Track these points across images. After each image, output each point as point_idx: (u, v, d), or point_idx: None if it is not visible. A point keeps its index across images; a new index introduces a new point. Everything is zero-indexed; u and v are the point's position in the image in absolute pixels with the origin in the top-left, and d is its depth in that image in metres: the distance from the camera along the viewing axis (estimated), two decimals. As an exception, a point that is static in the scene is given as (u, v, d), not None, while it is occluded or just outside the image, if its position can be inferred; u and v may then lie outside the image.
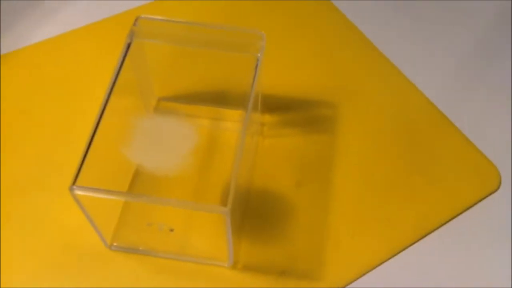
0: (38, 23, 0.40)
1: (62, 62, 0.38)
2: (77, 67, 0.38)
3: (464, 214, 0.31)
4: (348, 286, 0.29)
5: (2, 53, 0.38)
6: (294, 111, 0.36)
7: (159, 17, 0.30)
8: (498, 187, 0.31)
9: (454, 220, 0.31)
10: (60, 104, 0.35)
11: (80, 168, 0.24)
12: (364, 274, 0.29)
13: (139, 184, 0.31)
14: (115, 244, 0.29)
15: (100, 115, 0.26)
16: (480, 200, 0.31)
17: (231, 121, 0.34)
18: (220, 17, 0.41)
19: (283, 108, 0.36)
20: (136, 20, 0.30)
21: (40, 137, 0.34)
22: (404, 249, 0.30)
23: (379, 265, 0.29)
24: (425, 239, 0.30)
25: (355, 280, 0.29)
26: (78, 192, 0.23)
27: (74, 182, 0.23)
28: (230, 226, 0.25)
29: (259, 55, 0.28)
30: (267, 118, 0.35)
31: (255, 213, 0.31)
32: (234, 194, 0.24)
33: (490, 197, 0.32)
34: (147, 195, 0.26)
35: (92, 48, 0.39)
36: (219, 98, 0.35)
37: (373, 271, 0.29)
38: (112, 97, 0.27)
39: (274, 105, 0.36)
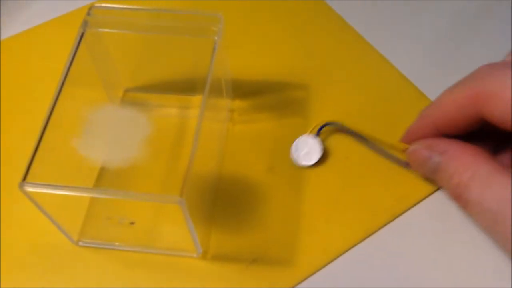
0: (5, 19, 0.39)
1: (27, 58, 0.37)
2: (42, 63, 0.37)
3: (438, 192, 0.30)
4: (320, 271, 0.28)
5: None
6: (265, 95, 0.35)
7: (114, 5, 0.29)
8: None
9: (428, 198, 0.30)
10: (22, 100, 0.35)
11: (31, 163, 0.23)
12: (337, 257, 0.28)
13: (106, 178, 0.30)
14: (82, 240, 0.29)
15: (52, 106, 0.25)
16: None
17: (198, 108, 0.33)
18: (184, 3, 0.40)
19: (254, 93, 0.35)
20: (90, 9, 0.29)
21: (1, 133, 0.33)
22: (377, 230, 0.29)
23: (352, 247, 0.28)
24: (399, 219, 0.29)
25: (328, 263, 0.28)
26: (29, 189, 0.23)
27: (24, 178, 0.23)
28: (193, 216, 0.24)
29: (216, 38, 0.28)
30: (238, 103, 0.34)
31: (225, 202, 0.30)
32: (193, 183, 0.23)
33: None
34: (103, 188, 0.25)
35: (58, 43, 0.38)
36: (187, 86, 0.34)
37: (346, 253, 0.28)
38: (68, 88, 0.26)
39: (245, 90, 0.35)
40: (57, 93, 0.25)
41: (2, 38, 0.38)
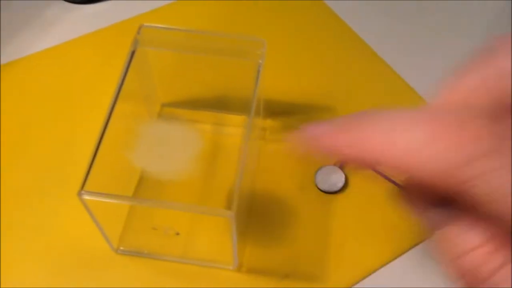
0: (40, 32, 0.41)
1: (63, 71, 0.38)
2: (78, 75, 0.38)
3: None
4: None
5: (2, 62, 0.39)
6: (294, 115, 0.36)
7: (162, 26, 0.30)
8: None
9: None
10: (61, 112, 0.36)
11: (88, 174, 0.24)
12: (367, 276, 0.29)
13: (144, 189, 0.31)
14: (121, 248, 0.30)
15: (107, 121, 0.26)
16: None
17: (234, 126, 0.35)
18: (220, 24, 0.41)
19: (284, 112, 0.36)
20: (139, 28, 0.30)
21: (42, 146, 0.34)
22: (407, 250, 0.30)
23: (382, 266, 0.30)
24: (427, 241, 0.31)
25: (358, 281, 0.29)
26: (86, 197, 0.24)
27: (82, 187, 0.24)
28: (235, 230, 0.25)
29: (260, 61, 0.29)
30: (269, 122, 0.36)
31: (259, 217, 0.31)
32: (239, 198, 0.25)
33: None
34: (153, 199, 0.26)
35: (93, 57, 0.39)
36: (222, 104, 0.36)
37: (376, 272, 0.29)
38: (118, 104, 0.27)
39: (275, 109, 0.36)
40: (111, 108, 0.27)
41: (30, 53, 0.40)
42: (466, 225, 0.18)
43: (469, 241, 0.18)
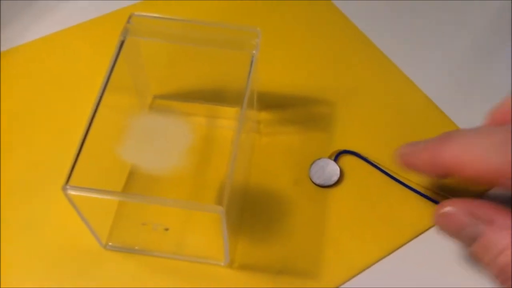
0: (33, 22, 0.40)
1: (57, 61, 0.38)
2: (72, 65, 0.37)
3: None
4: (345, 285, 0.28)
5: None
6: (291, 108, 0.36)
7: (153, 15, 0.29)
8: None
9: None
10: (55, 104, 0.35)
11: (73, 168, 0.24)
12: (361, 272, 0.29)
13: (134, 183, 0.31)
14: (110, 243, 0.29)
15: (93, 113, 0.25)
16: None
17: (227, 118, 0.34)
18: (217, 15, 0.41)
19: (280, 105, 0.36)
20: (130, 17, 0.29)
21: (36, 138, 0.33)
22: (401, 246, 0.30)
23: (377, 261, 0.29)
24: (423, 236, 0.30)
25: (351, 278, 0.28)
26: (71, 192, 0.23)
27: (67, 182, 0.23)
28: (226, 225, 0.25)
29: (254, 52, 0.28)
30: (264, 115, 0.35)
31: (252, 212, 0.31)
32: (230, 193, 0.24)
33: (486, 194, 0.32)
34: (142, 194, 0.25)
35: (88, 46, 0.38)
36: (215, 96, 0.35)
37: (370, 268, 0.29)
38: (106, 95, 0.26)
39: (270, 102, 0.36)
40: (98, 100, 0.26)
41: (26, 41, 0.39)
42: (502, 225, 0.23)
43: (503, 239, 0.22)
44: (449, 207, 0.24)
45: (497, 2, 0.42)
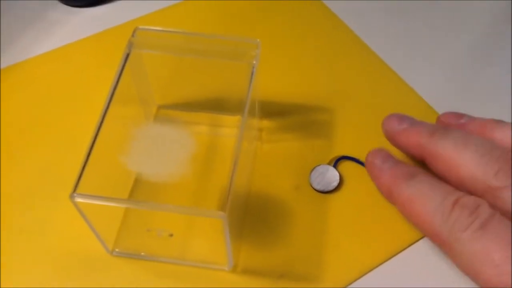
0: (39, 36, 0.41)
1: (62, 75, 0.39)
2: (78, 79, 0.38)
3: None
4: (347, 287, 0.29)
5: (2, 67, 0.39)
6: (291, 116, 0.36)
7: (157, 28, 0.31)
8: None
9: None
10: (61, 115, 0.36)
11: (81, 176, 0.25)
12: (361, 276, 0.29)
13: (139, 191, 0.32)
14: (116, 250, 0.30)
15: (100, 123, 0.26)
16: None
17: (229, 127, 0.35)
18: (216, 26, 0.42)
19: (280, 113, 0.37)
20: (134, 31, 0.30)
21: (41, 148, 0.34)
22: (403, 249, 0.30)
23: (378, 265, 0.30)
24: (424, 240, 0.31)
25: (353, 282, 0.29)
26: (79, 200, 0.24)
27: (74, 190, 0.24)
28: (228, 230, 0.25)
29: (254, 62, 0.29)
30: (265, 123, 0.36)
31: (254, 217, 0.31)
32: (232, 199, 0.25)
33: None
34: (147, 201, 0.26)
35: (93, 60, 0.40)
36: (217, 105, 0.36)
37: (372, 271, 0.29)
38: (112, 106, 0.28)
39: (271, 110, 0.36)
40: (104, 110, 0.27)
41: (32, 56, 0.40)
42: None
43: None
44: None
45: (496, 2, 0.43)
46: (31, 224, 0.31)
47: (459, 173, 0.26)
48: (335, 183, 0.32)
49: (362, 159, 0.33)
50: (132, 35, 0.30)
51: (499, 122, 0.27)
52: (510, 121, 0.31)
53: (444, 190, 0.25)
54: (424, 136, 0.28)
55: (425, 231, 0.26)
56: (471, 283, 0.28)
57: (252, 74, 0.29)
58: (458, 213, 0.24)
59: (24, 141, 0.35)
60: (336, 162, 0.33)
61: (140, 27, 0.30)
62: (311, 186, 0.32)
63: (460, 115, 0.30)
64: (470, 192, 0.25)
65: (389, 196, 0.28)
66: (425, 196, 0.25)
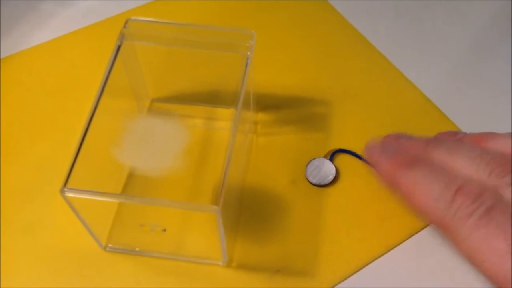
0: (33, 28, 0.40)
1: (55, 67, 0.38)
2: (70, 70, 0.38)
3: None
4: (342, 283, 0.29)
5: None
6: (287, 109, 0.36)
7: (149, 19, 0.30)
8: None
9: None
10: (54, 108, 0.36)
11: (71, 170, 0.24)
12: (358, 271, 0.29)
13: (132, 185, 0.31)
14: (110, 245, 0.29)
15: (91, 116, 0.26)
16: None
17: (224, 120, 0.34)
18: (212, 18, 0.41)
19: (276, 106, 0.36)
20: (126, 22, 0.30)
21: (36, 142, 0.34)
22: (400, 243, 0.30)
23: (374, 260, 0.29)
24: (420, 234, 0.30)
25: (349, 276, 0.29)
26: (70, 195, 0.24)
27: (65, 184, 0.23)
28: (222, 225, 0.25)
29: (249, 53, 0.29)
30: (261, 116, 0.35)
31: (249, 212, 0.31)
32: (226, 193, 0.24)
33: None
34: (139, 196, 0.26)
35: (86, 52, 0.39)
36: (212, 98, 0.35)
37: (367, 267, 0.29)
38: (104, 99, 0.27)
39: (267, 103, 0.36)
40: (96, 103, 0.26)
41: (26, 47, 0.39)
42: None
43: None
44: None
45: (496, 2, 0.43)
46: (24, 221, 0.30)
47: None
48: (331, 177, 0.32)
49: (359, 152, 0.33)
50: (124, 26, 0.29)
51: (492, 133, 0.28)
52: (510, 118, 0.31)
53: (447, 176, 0.25)
54: (420, 147, 0.28)
55: (428, 217, 0.26)
56: (467, 274, 0.28)
57: (246, 65, 0.28)
58: (461, 199, 0.23)
59: (15, 135, 0.34)
60: (332, 155, 0.33)
61: (132, 18, 0.30)
62: (307, 179, 0.32)
63: (455, 132, 0.30)
64: None
65: (391, 183, 0.28)
66: (428, 182, 0.25)
